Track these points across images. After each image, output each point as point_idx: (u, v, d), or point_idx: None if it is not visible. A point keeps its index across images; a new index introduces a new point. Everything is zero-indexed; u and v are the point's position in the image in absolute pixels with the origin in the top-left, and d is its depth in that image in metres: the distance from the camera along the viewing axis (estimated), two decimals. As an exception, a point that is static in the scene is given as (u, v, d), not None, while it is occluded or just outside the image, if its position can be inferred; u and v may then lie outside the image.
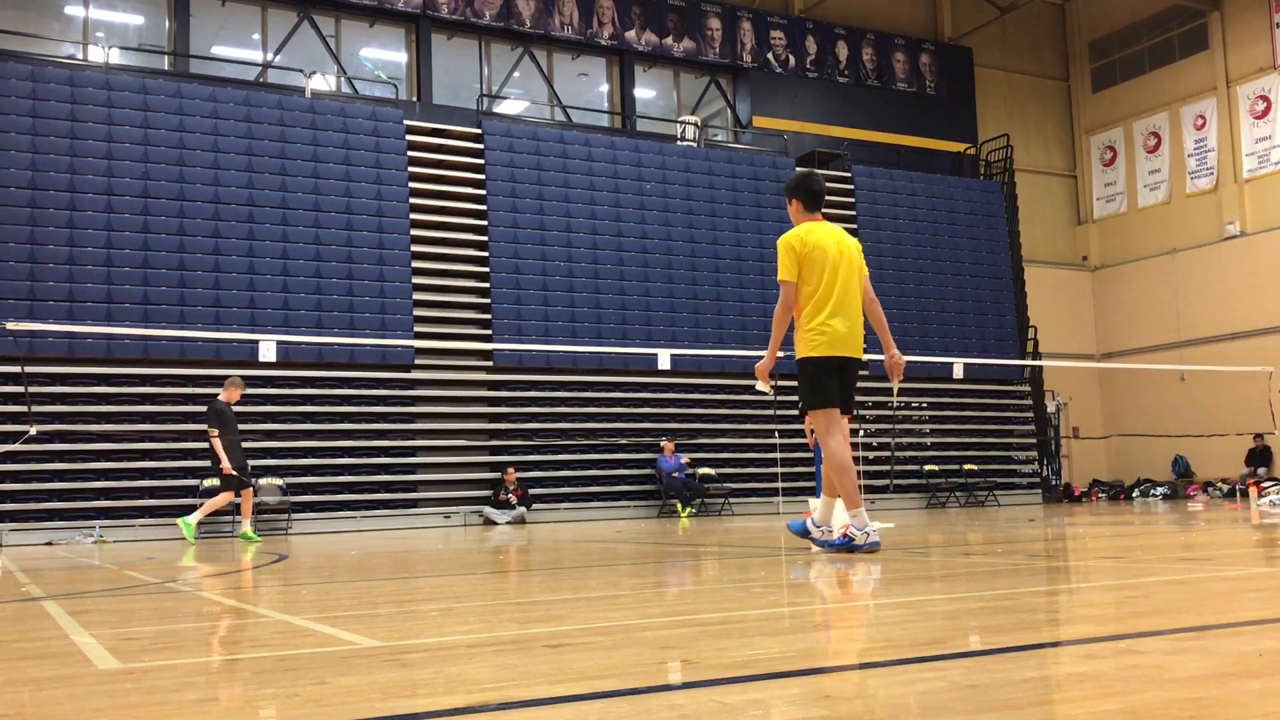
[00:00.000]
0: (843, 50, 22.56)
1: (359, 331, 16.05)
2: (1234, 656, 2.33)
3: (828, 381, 6.17)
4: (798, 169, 6.78)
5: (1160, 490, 22.56)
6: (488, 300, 17.27)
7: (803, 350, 6.22)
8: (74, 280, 14.60)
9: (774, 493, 18.23)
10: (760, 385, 6.42)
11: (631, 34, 20.49)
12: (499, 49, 19.83)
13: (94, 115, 15.09)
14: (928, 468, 20.34)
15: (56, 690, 2.37)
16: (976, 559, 5.90)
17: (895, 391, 6.53)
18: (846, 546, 6.16)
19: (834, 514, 6.49)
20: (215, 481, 11.89)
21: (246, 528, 11.88)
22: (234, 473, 11.40)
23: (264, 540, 12.08)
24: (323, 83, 18.12)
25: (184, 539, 11.53)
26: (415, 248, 16.86)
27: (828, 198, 24.21)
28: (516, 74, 20.10)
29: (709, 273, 18.92)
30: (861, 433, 16.32)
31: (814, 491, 12.60)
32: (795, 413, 18.92)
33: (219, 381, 14.99)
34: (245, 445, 12.15)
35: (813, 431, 6.51)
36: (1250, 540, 7.02)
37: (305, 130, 16.36)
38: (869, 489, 18.27)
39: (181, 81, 16.17)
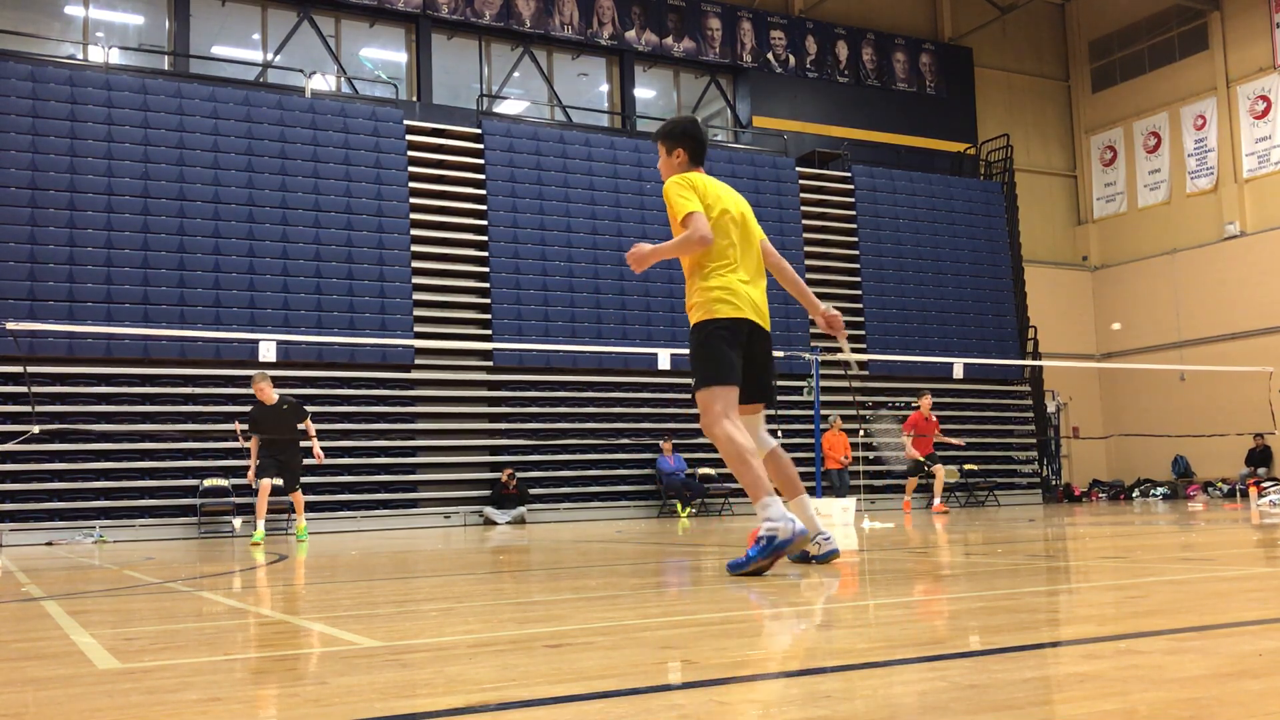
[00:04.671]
0: (843, 50, 22.56)
1: (359, 331, 16.05)
2: (1234, 656, 2.33)
3: (730, 350, 5.09)
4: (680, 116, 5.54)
5: (1160, 490, 22.56)
6: (488, 300, 17.27)
7: (702, 313, 5.14)
8: (74, 280, 14.60)
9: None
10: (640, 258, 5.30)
11: (631, 34, 20.49)
12: (499, 49, 19.83)
13: (94, 115, 15.09)
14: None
15: (56, 690, 2.37)
16: (976, 559, 5.90)
17: (847, 352, 5.33)
18: (770, 549, 4.79)
19: (807, 512, 5.29)
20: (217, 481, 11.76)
21: (300, 521, 11.64)
22: (254, 477, 10.86)
23: (264, 542, 11.97)
24: (323, 83, 18.12)
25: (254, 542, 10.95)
26: (415, 248, 16.86)
27: (827, 197, 23.90)
28: (516, 74, 20.10)
29: (709, 273, 18.88)
30: (862, 433, 16.30)
31: (814, 491, 12.60)
32: (795, 411, 18.93)
33: (219, 381, 15.06)
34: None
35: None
36: (1250, 540, 7.01)
37: (305, 130, 16.36)
38: (870, 489, 18.27)
39: (181, 81, 16.17)
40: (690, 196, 5.16)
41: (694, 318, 5.18)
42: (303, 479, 15.39)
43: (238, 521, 11.56)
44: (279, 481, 10.77)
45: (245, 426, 10.94)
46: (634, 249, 5.32)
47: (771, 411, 5.50)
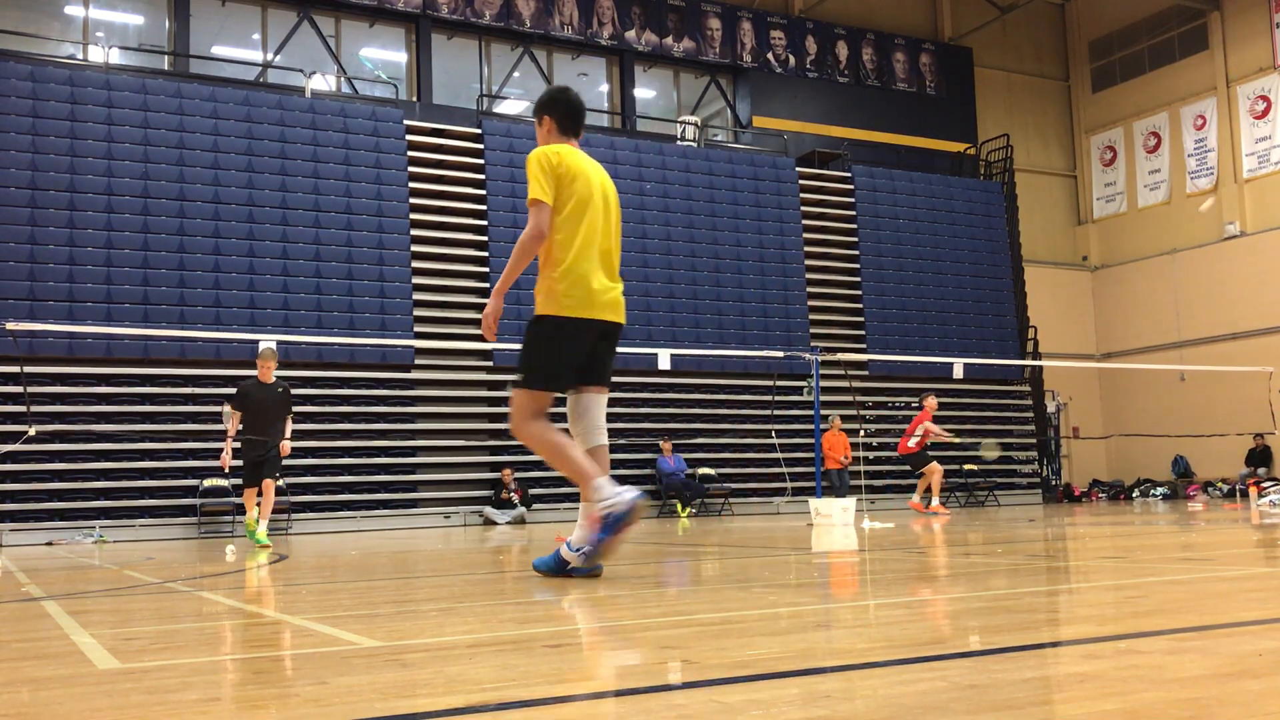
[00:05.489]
0: (843, 50, 22.56)
1: (359, 331, 16.06)
2: (1234, 656, 2.33)
3: (567, 354, 4.90)
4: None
5: (1160, 490, 22.56)
6: (487, 300, 17.24)
7: (546, 306, 4.86)
8: (74, 280, 14.60)
9: (774, 493, 18.21)
10: (489, 337, 5.20)
11: (631, 34, 20.49)
12: (499, 49, 19.84)
13: (94, 115, 15.09)
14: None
15: (56, 690, 2.37)
16: (976, 559, 5.90)
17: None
18: (615, 524, 4.71)
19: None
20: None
21: (260, 528, 11.17)
22: (227, 468, 10.18)
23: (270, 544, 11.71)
24: (323, 83, 18.12)
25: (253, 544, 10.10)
26: (415, 248, 16.86)
27: (827, 197, 23.80)
28: (516, 74, 20.10)
29: (709, 273, 18.92)
30: (862, 433, 16.30)
31: (814, 492, 12.58)
32: (795, 411, 18.92)
33: (219, 381, 15.04)
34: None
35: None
36: (1250, 540, 7.01)
37: (305, 130, 16.36)
38: (870, 489, 18.26)
39: (181, 81, 16.17)
40: (545, 180, 4.80)
41: (539, 308, 4.86)
42: (302, 479, 15.47)
43: (230, 549, 11.03)
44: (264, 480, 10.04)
45: (231, 402, 10.09)
46: (484, 314, 5.13)
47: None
